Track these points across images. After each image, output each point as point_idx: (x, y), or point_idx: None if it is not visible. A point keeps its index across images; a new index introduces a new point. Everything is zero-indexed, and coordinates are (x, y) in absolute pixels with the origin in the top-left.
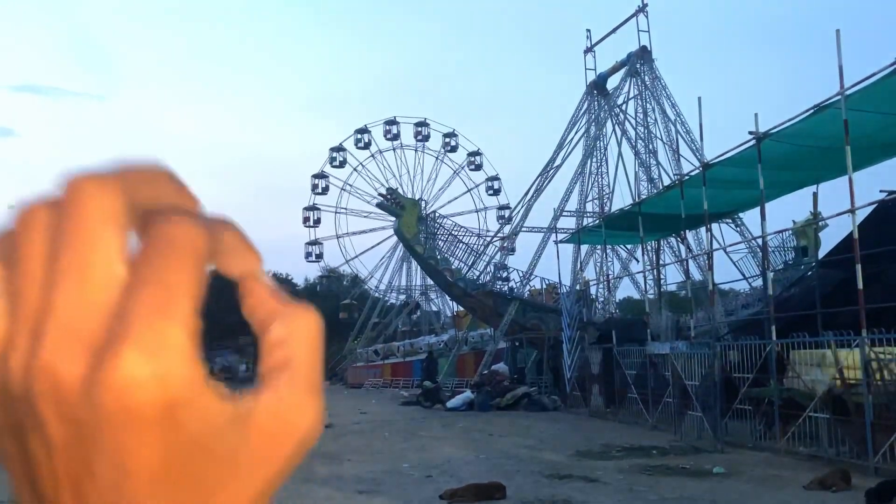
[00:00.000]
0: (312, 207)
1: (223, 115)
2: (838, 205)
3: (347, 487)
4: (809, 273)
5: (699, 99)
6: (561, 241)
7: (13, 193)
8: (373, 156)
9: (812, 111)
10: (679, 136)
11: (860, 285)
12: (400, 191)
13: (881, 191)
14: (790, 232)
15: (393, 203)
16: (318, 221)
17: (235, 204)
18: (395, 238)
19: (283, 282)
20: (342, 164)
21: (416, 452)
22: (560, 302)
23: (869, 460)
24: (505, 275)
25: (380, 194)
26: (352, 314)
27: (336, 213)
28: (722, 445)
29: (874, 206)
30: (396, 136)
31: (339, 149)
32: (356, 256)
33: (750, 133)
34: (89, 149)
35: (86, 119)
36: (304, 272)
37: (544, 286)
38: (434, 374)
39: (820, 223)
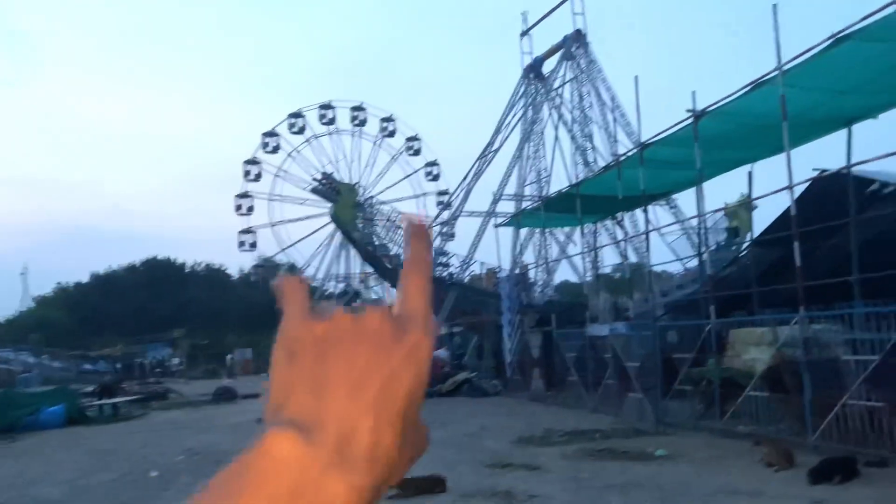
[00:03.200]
0: (245, 195)
1: (149, 100)
2: (768, 186)
3: None
4: (744, 253)
5: (636, 78)
6: (500, 225)
7: None
8: (308, 141)
9: (750, 87)
10: (615, 121)
11: (798, 262)
12: (336, 176)
13: (814, 169)
14: (722, 213)
15: (328, 188)
16: (251, 209)
17: (164, 193)
18: (332, 225)
19: (217, 272)
20: (275, 150)
21: None
22: (500, 286)
23: (808, 438)
24: (445, 260)
25: (314, 179)
26: None
27: (270, 200)
28: (663, 427)
29: (808, 182)
30: (332, 121)
31: (272, 134)
32: (292, 245)
33: (688, 111)
34: (3, 137)
35: None
36: (237, 262)
37: (484, 271)
38: None
39: (751, 204)
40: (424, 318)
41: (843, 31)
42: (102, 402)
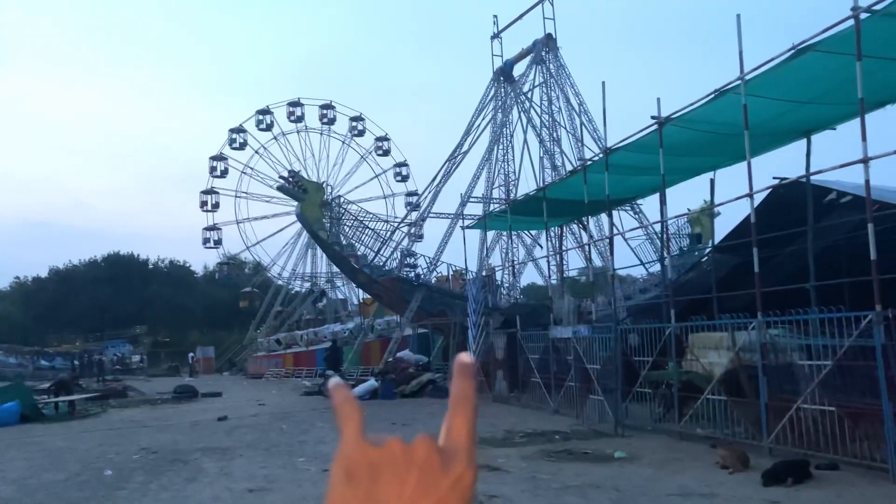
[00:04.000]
0: (210, 191)
1: (113, 95)
2: (730, 193)
3: (237, 486)
4: (705, 258)
5: (603, 83)
6: (467, 227)
7: None
8: (275, 138)
9: (713, 96)
10: (582, 125)
11: (756, 268)
12: (304, 174)
13: (774, 178)
14: (685, 219)
15: (295, 186)
16: (216, 206)
17: (127, 188)
18: (299, 224)
19: (181, 269)
20: (242, 146)
21: (314, 445)
22: (466, 288)
23: (763, 441)
24: (412, 261)
25: (281, 177)
26: (253, 303)
27: (236, 197)
28: (623, 429)
29: (769, 190)
30: (301, 119)
31: (240, 130)
32: (258, 243)
33: (652, 118)
34: None
35: None
36: (202, 259)
37: (451, 272)
38: (338, 362)
39: (714, 211)
40: (468, 452)
41: (803, 42)
42: (58, 399)
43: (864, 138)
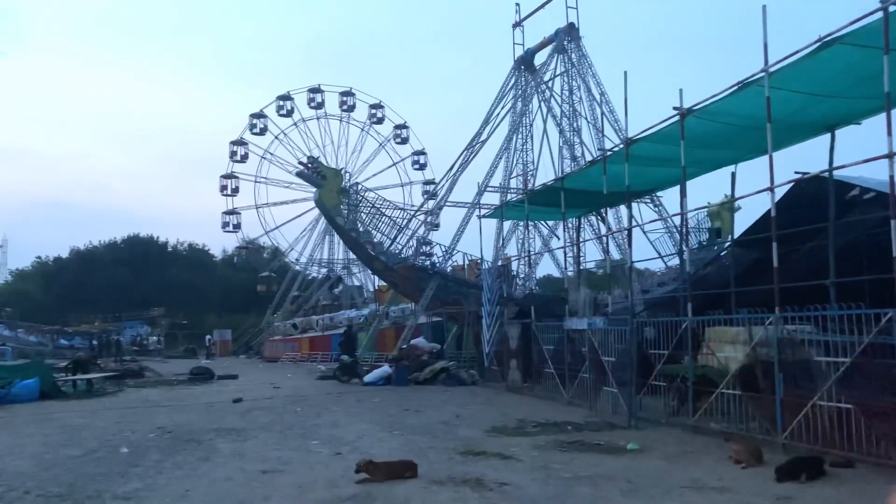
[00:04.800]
0: (230, 175)
1: (136, 77)
2: (752, 187)
3: (250, 467)
4: (724, 253)
5: (625, 73)
6: (484, 216)
7: None
8: (295, 124)
9: (736, 87)
10: (603, 116)
11: (776, 263)
12: (322, 160)
13: (796, 172)
14: (705, 213)
15: (314, 172)
16: (236, 190)
17: (148, 171)
18: (317, 210)
19: (200, 252)
20: (263, 132)
21: (327, 429)
22: (481, 277)
23: (778, 437)
24: (428, 249)
25: (300, 163)
26: (270, 287)
27: (255, 181)
28: (636, 421)
29: (790, 184)
30: (321, 105)
31: (260, 115)
32: (276, 228)
33: (674, 108)
34: None
35: None
36: (220, 243)
37: (467, 262)
38: (353, 348)
39: (734, 205)
40: None
41: (830, 34)
42: (76, 377)
43: (889, 133)
